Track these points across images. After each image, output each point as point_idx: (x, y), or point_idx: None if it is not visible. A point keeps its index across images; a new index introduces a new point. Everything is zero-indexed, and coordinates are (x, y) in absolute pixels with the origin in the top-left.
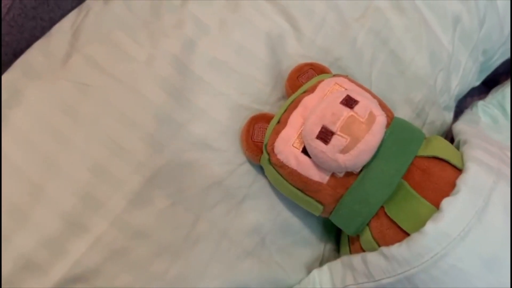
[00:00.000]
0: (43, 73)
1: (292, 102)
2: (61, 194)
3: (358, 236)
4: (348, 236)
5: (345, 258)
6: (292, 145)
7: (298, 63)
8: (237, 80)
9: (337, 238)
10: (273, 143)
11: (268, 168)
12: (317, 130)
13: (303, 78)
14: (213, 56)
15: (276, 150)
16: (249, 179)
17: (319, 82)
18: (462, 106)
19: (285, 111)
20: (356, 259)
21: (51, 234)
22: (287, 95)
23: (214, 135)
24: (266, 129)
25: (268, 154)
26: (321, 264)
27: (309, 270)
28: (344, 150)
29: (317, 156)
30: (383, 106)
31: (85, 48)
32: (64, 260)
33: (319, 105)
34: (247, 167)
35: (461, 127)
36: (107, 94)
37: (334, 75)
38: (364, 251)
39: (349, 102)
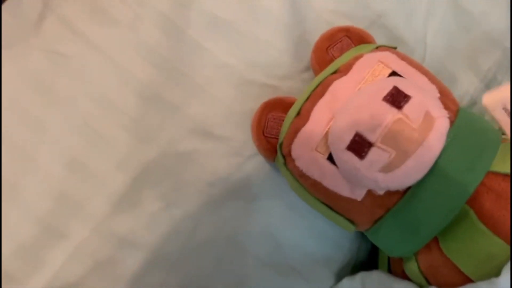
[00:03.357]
0: (14, 39)
1: (318, 85)
2: (35, 194)
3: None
4: None
5: (383, 278)
6: (316, 149)
7: (326, 21)
8: (246, 46)
9: None
10: (290, 143)
11: (285, 173)
12: (348, 139)
13: (334, 49)
14: (213, 14)
15: (294, 154)
16: (261, 175)
17: (356, 59)
18: None
19: (308, 98)
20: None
21: (25, 242)
22: (314, 72)
23: (216, 119)
24: (282, 120)
25: (284, 157)
26: (353, 269)
27: (337, 277)
28: (386, 168)
29: (348, 172)
30: (445, 95)
31: (61, 7)
32: (41, 272)
33: (354, 99)
34: (259, 159)
35: None
36: (84, 67)
37: (378, 48)
38: (405, 274)
39: (396, 98)
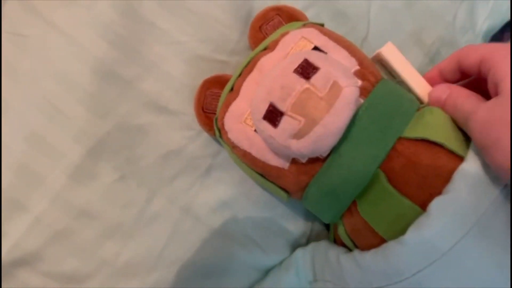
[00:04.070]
0: None
1: (249, 62)
2: None
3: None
4: None
5: (328, 246)
6: (244, 121)
7: None
8: (195, 23)
9: None
10: (223, 117)
11: (224, 145)
12: (263, 109)
13: (267, 28)
14: None
15: (226, 127)
16: (214, 147)
17: (282, 36)
18: None
19: (240, 74)
20: (333, 255)
21: None
22: (251, 50)
23: (169, 94)
24: (219, 96)
25: (219, 130)
26: (309, 240)
27: (293, 248)
28: (298, 135)
29: (267, 141)
30: (365, 67)
31: None
32: (3, 242)
33: (271, 72)
34: None
35: None
36: (46, 46)
37: (305, 25)
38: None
39: (306, 70)
